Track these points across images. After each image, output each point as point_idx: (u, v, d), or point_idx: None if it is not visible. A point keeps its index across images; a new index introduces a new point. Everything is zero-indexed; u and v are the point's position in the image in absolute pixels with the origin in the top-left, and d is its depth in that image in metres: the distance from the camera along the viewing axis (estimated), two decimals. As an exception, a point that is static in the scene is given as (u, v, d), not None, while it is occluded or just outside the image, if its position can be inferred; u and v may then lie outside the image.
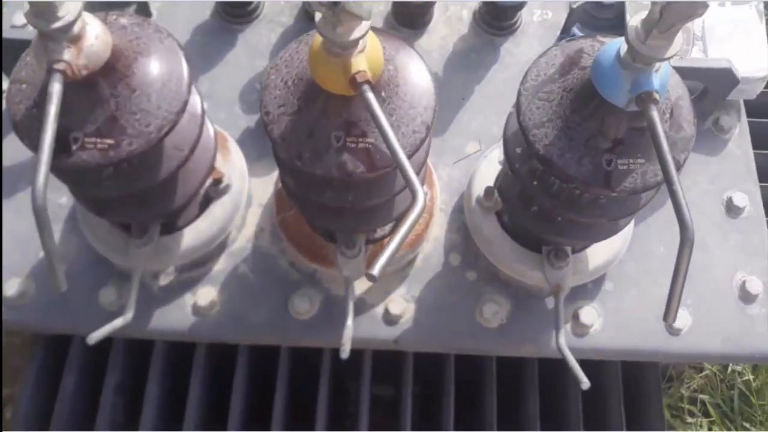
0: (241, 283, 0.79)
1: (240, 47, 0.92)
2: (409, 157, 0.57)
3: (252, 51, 0.91)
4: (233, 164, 0.80)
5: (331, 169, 0.57)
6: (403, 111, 0.58)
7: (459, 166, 0.85)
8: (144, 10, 0.93)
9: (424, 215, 0.78)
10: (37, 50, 0.54)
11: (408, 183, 0.49)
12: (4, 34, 0.82)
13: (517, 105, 0.59)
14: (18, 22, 0.93)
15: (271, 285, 0.79)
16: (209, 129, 0.72)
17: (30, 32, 0.88)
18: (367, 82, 0.51)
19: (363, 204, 0.64)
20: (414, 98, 0.58)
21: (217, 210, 0.78)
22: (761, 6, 0.89)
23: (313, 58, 0.54)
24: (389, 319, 0.78)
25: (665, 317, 0.51)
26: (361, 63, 0.52)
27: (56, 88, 0.52)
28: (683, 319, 0.79)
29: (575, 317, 0.78)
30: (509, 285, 0.79)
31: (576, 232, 0.68)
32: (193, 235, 0.77)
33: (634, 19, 0.49)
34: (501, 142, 0.73)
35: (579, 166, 0.56)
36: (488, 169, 0.79)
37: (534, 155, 0.58)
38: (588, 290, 0.79)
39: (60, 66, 0.52)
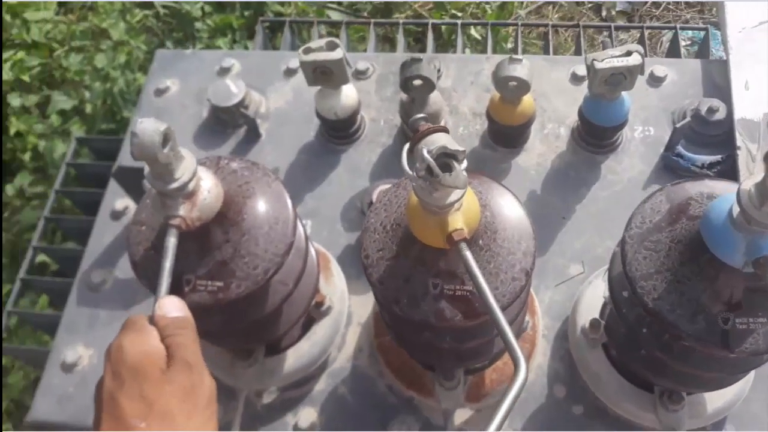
0: (340, 405, 0.80)
1: (342, 167, 0.95)
2: (509, 304, 0.57)
3: (353, 170, 0.95)
4: (335, 286, 0.82)
5: (429, 316, 0.57)
6: (502, 258, 0.57)
7: (561, 289, 0.83)
8: (253, 131, 1.00)
9: (526, 345, 0.76)
10: (154, 202, 0.59)
11: (509, 350, 0.48)
12: (122, 162, 0.89)
13: (623, 253, 0.57)
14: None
15: (370, 409, 0.79)
16: (313, 255, 0.74)
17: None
18: (464, 240, 0.51)
19: (461, 345, 0.63)
20: (512, 244, 0.58)
21: (319, 332, 0.80)
22: None
23: (410, 211, 0.55)
24: (488, 453, 0.75)
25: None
26: (457, 221, 0.52)
27: (171, 243, 0.56)
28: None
29: (694, 463, 0.72)
30: (618, 422, 0.74)
31: (690, 382, 0.64)
32: (296, 356, 0.79)
33: (746, 183, 0.47)
34: (605, 275, 0.70)
35: (692, 323, 0.53)
36: (593, 296, 0.76)
37: (642, 308, 0.55)
38: (707, 433, 0.73)
39: (175, 222, 0.56)
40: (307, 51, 0.85)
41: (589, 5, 1.91)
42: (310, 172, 0.96)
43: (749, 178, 0.47)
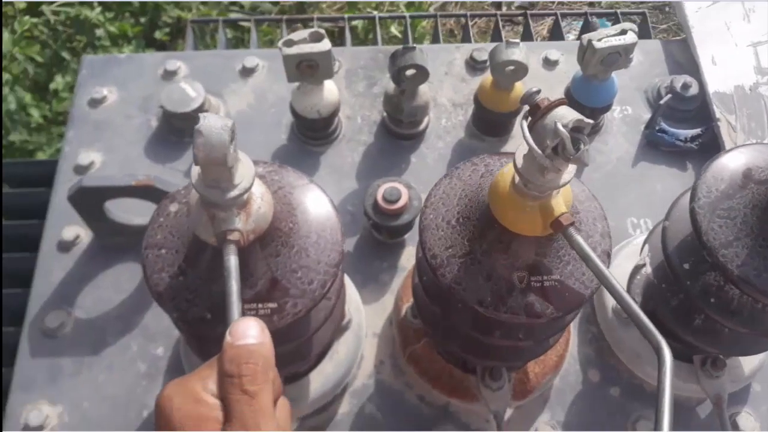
0: (371, 425, 0.73)
1: (323, 169, 0.88)
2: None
3: (336, 172, 0.88)
4: (350, 297, 0.75)
5: (518, 312, 0.53)
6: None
7: (573, 273, 0.82)
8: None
9: (565, 334, 0.74)
10: (195, 218, 0.50)
11: (644, 333, 0.45)
12: (85, 182, 0.77)
13: (695, 224, 0.56)
14: (84, 161, 0.88)
15: (403, 424, 0.73)
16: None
17: (111, 178, 0.84)
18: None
19: (530, 341, 0.60)
20: (589, 226, 0.55)
21: (342, 349, 0.72)
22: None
23: (500, 200, 0.51)
24: (537, 450, 0.72)
25: None
26: (561, 204, 0.48)
27: (233, 262, 0.47)
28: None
29: (734, 425, 0.73)
30: (655, 397, 0.74)
31: (742, 345, 0.65)
32: (321, 380, 0.71)
33: None
34: (643, 252, 0.70)
35: (780, 284, 0.53)
36: (617, 275, 0.75)
37: (726, 276, 0.55)
38: (737, 395, 0.75)
39: (234, 237, 0.48)
40: (289, 43, 0.77)
41: (490, 1, 1.96)
42: (288, 177, 0.87)
43: None
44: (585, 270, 0.53)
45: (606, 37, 0.78)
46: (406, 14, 1.30)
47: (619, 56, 0.79)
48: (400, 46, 0.80)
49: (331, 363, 0.71)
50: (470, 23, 1.18)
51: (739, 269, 0.54)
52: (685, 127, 0.90)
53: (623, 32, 0.79)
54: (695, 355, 0.70)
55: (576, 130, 0.42)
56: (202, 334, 0.57)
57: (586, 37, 0.79)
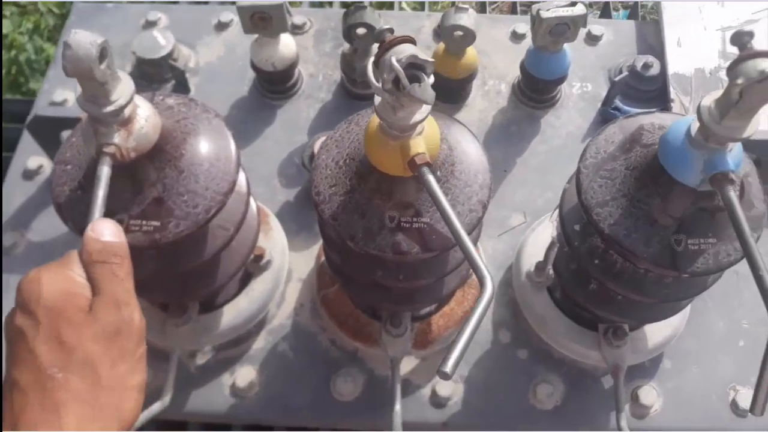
0: (281, 363, 0.76)
1: (278, 123, 0.92)
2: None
3: (290, 126, 0.91)
4: (274, 240, 0.78)
5: (385, 250, 0.55)
6: (459, 190, 0.56)
7: (503, 239, 0.83)
8: (182, 86, 0.94)
9: (473, 290, 0.75)
10: (85, 132, 0.54)
11: (474, 268, 0.46)
12: (41, 112, 0.82)
13: (578, 183, 0.57)
14: (58, 98, 0.94)
15: (312, 364, 0.76)
16: (253, 204, 0.70)
17: (68, 110, 0.89)
18: (427, 164, 0.50)
19: (413, 283, 0.62)
20: (469, 177, 0.57)
21: (258, 287, 0.76)
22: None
23: (369, 139, 0.53)
24: (437, 402, 0.74)
25: (752, 409, 0.47)
26: (419, 145, 0.50)
27: (105, 172, 0.50)
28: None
29: (634, 398, 0.73)
30: (563, 364, 0.75)
31: (637, 312, 0.65)
32: (234, 313, 0.74)
33: (706, 99, 0.47)
34: (552, 216, 0.71)
35: (647, 246, 0.53)
36: (536, 242, 0.77)
37: (599, 235, 0.55)
38: (646, 368, 0.75)
39: (110, 149, 0.51)
40: (245, -6, 0.80)
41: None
42: (244, 127, 0.91)
43: (708, 95, 0.48)
44: (458, 217, 0.55)
45: (554, 8, 0.78)
46: None
47: (567, 28, 0.79)
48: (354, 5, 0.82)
49: (246, 299, 0.75)
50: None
51: (610, 228, 0.54)
52: (643, 107, 0.89)
53: (573, 4, 0.79)
54: (600, 324, 0.71)
55: (413, 66, 0.44)
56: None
57: (535, 7, 0.79)
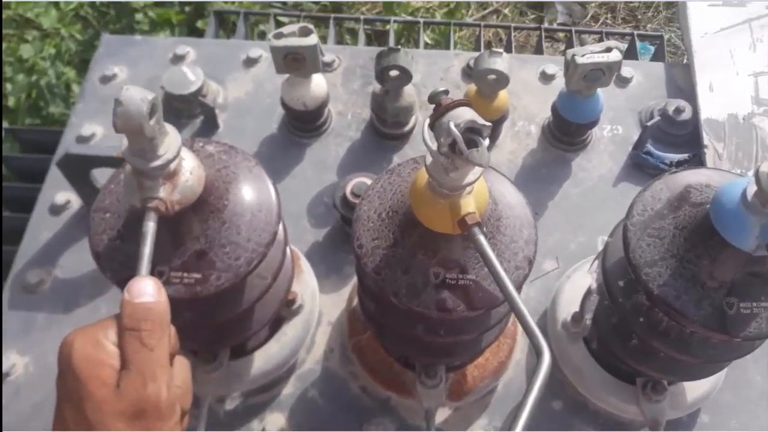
0: (311, 409, 0.75)
1: (307, 161, 0.91)
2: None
3: (319, 165, 0.91)
4: (306, 283, 0.77)
5: (430, 307, 0.54)
6: (505, 246, 0.55)
7: (536, 285, 0.82)
8: (211, 122, 0.94)
9: (507, 340, 0.74)
10: (128, 184, 0.53)
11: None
12: (72, 149, 0.82)
13: (625, 240, 0.56)
14: (86, 132, 0.93)
15: (343, 412, 0.75)
16: (288, 251, 0.70)
17: (96, 147, 0.89)
18: (477, 224, 0.49)
19: (455, 338, 0.61)
20: (515, 232, 0.56)
21: (289, 332, 0.75)
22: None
23: (416, 196, 0.52)
24: (470, 454, 0.73)
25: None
26: (469, 204, 0.49)
27: (150, 228, 0.50)
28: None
29: (673, 454, 0.72)
30: (599, 416, 0.74)
31: (680, 370, 0.64)
32: (264, 359, 0.73)
33: (765, 165, 0.46)
34: (591, 267, 0.70)
35: (698, 309, 0.52)
36: (572, 291, 0.75)
37: (647, 296, 0.54)
38: (684, 423, 0.73)
39: (155, 204, 0.50)
40: (279, 36, 0.80)
41: (532, 16, 1.95)
42: (273, 165, 0.91)
43: (766, 161, 0.47)
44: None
45: (590, 54, 0.78)
46: (451, 21, 1.28)
47: (602, 74, 0.79)
48: (386, 48, 0.82)
49: (277, 344, 0.74)
50: (511, 35, 1.18)
51: (660, 289, 0.53)
52: (675, 151, 0.88)
53: (608, 50, 0.78)
54: (638, 378, 0.69)
55: (471, 130, 0.43)
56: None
57: (570, 52, 0.79)
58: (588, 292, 0.73)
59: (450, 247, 0.54)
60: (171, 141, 0.50)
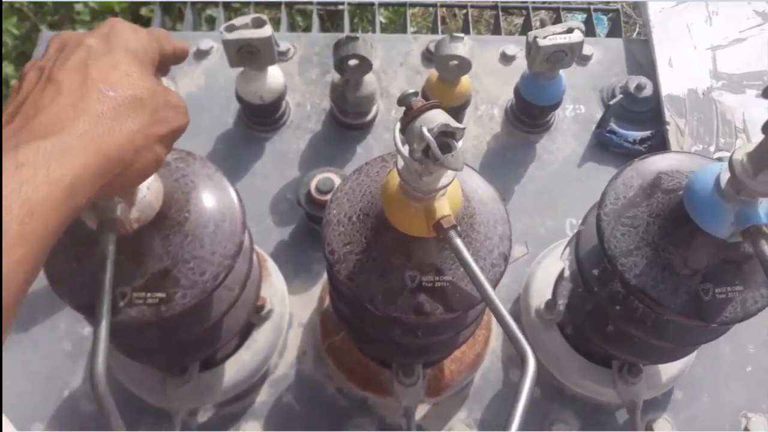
0: (287, 415, 0.73)
1: (267, 156, 0.88)
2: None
3: (280, 160, 0.88)
4: (274, 287, 0.75)
5: (407, 312, 0.52)
6: (480, 244, 0.54)
7: (507, 271, 0.81)
8: (164, 120, 0.90)
9: (483, 331, 0.74)
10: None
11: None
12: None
13: (599, 230, 0.55)
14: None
15: (320, 415, 0.73)
16: (254, 256, 0.67)
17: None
18: (454, 227, 0.47)
19: (432, 339, 0.59)
20: (489, 228, 0.54)
21: (260, 338, 0.72)
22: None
23: (388, 199, 0.50)
24: (451, 447, 0.72)
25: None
26: (444, 207, 0.47)
27: (110, 251, 0.47)
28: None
29: (649, 431, 0.72)
30: (576, 400, 0.74)
31: (656, 353, 0.64)
32: (236, 368, 0.71)
33: (739, 152, 0.46)
34: (564, 254, 0.69)
35: (675, 297, 0.52)
36: (544, 277, 0.75)
37: (624, 286, 0.54)
38: (658, 401, 0.74)
39: (111, 225, 0.47)
40: (231, 28, 0.76)
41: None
42: (231, 163, 0.87)
43: (739, 147, 0.46)
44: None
45: (552, 35, 0.77)
46: (407, 1, 1.23)
47: (565, 55, 0.78)
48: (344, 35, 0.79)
49: (248, 352, 0.72)
50: (444, 14, 1.16)
51: (636, 279, 0.53)
52: (638, 128, 0.88)
53: (569, 31, 0.77)
54: (614, 361, 0.70)
55: (444, 134, 0.42)
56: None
57: (531, 34, 0.77)
58: (560, 278, 0.73)
59: (425, 250, 0.52)
60: (124, 156, 0.47)
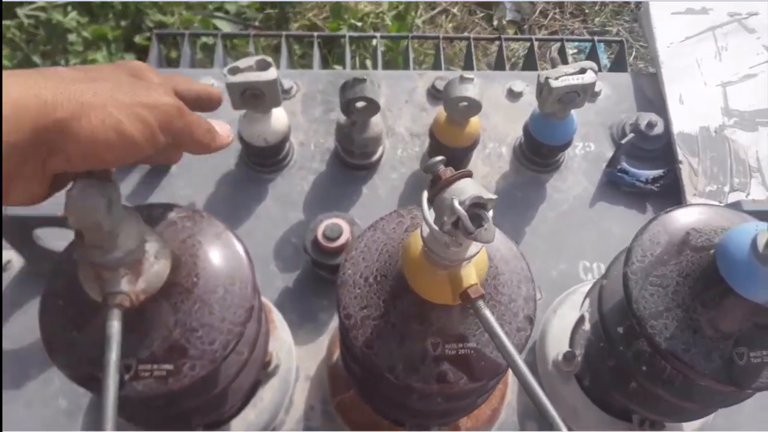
0: (296, 476, 0.70)
1: (271, 198, 0.85)
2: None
3: (284, 201, 0.85)
4: (281, 340, 0.72)
5: (430, 382, 0.49)
6: (504, 307, 0.51)
7: (520, 318, 0.79)
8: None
9: (500, 386, 0.71)
10: (84, 277, 0.47)
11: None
12: (6, 211, 0.73)
13: (626, 290, 0.53)
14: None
15: (330, 475, 0.70)
16: (263, 315, 0.64)
17: (31, 208, 0.81)
18: (481, 296, 0.45)
19: (452, 405, 0.57)
20: (513, 289, 0.52)
21: (266, 395, 0.69)
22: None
23: (410, 264, 0.48)
24: (467, 506, 0.69)
25: None
26: (471, 275, 0.45)
27: (115, 329, 0.44)
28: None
29: (673, 488, 0.70)
30: (595, 455, 0.72)
31: (681, 414, 0.62)
32: (242, 427, 0.68)
33: (781, 217, 0.44)
34: (583, 306, 0.67)
35: (708, 361, 0.50)
36: (561, 326, 0.73)
37: (654, 349, 0.52)
38: (680, 454, 0.72)
39: (118, 300, 0.45)
40: (235, 71, 0.74)
41: (481, 15, 1.92)
42: (233, 205, 0.85)
43: (778, 211, 0.45)
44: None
45: (564, 76, 0.75)
46: (409, 35, 1.20)
47: (577, 95, 0.76)
48: (351, 78, 0.77)
49: (254, 411, 0.68)
50: (441, 45, 1.14)
51: (667, 342, 0.51)
52: (648, 166, 0.87)
53: (582, 71, 0.76)
54: (634, 415, 0.67)
55: (476, 206, 0.39)
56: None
57: (543, 74, 0.76)
58: (577, 327, 0.71)
59: (448, 317, 0.50)
60: (131, 228, 0.44)
